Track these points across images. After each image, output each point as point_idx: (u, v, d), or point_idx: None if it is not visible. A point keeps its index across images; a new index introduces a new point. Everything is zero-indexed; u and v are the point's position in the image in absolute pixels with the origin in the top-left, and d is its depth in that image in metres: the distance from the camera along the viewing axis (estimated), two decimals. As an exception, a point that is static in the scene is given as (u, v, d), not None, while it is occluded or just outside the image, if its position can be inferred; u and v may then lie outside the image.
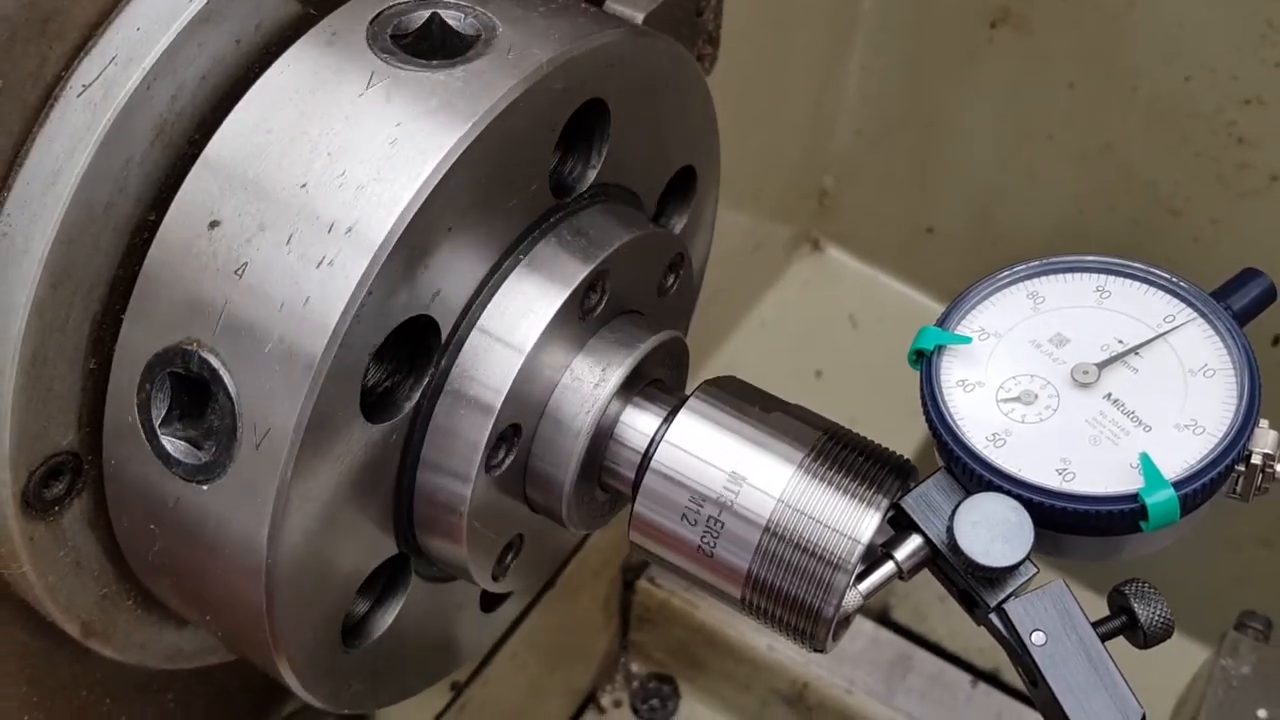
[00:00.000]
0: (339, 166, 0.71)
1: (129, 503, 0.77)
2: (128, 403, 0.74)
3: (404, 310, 0.73)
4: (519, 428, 0.80)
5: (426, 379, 0.77)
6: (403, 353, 0.76)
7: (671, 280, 0.91)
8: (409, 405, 0.77)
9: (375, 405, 0.75)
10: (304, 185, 0.71)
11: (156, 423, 0.74)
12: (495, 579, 0.86)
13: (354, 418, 0.73)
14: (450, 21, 0.77)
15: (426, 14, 0.77)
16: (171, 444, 0.74)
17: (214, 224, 0.72)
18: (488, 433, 0.77)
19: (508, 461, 0.80)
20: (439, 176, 0.71)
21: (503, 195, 0.77)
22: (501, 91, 0.73)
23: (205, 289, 0.72)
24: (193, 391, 0.74)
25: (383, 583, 0.84)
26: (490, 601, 0.94)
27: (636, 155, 0.87)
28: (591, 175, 0.84)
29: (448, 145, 0.71)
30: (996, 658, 1.39)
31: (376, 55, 0.74)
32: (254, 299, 0.71)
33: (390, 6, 0.77)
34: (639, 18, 0.89)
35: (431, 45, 0.77)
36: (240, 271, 0.71)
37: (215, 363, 0.71)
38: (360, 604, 0.83)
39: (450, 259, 0.74)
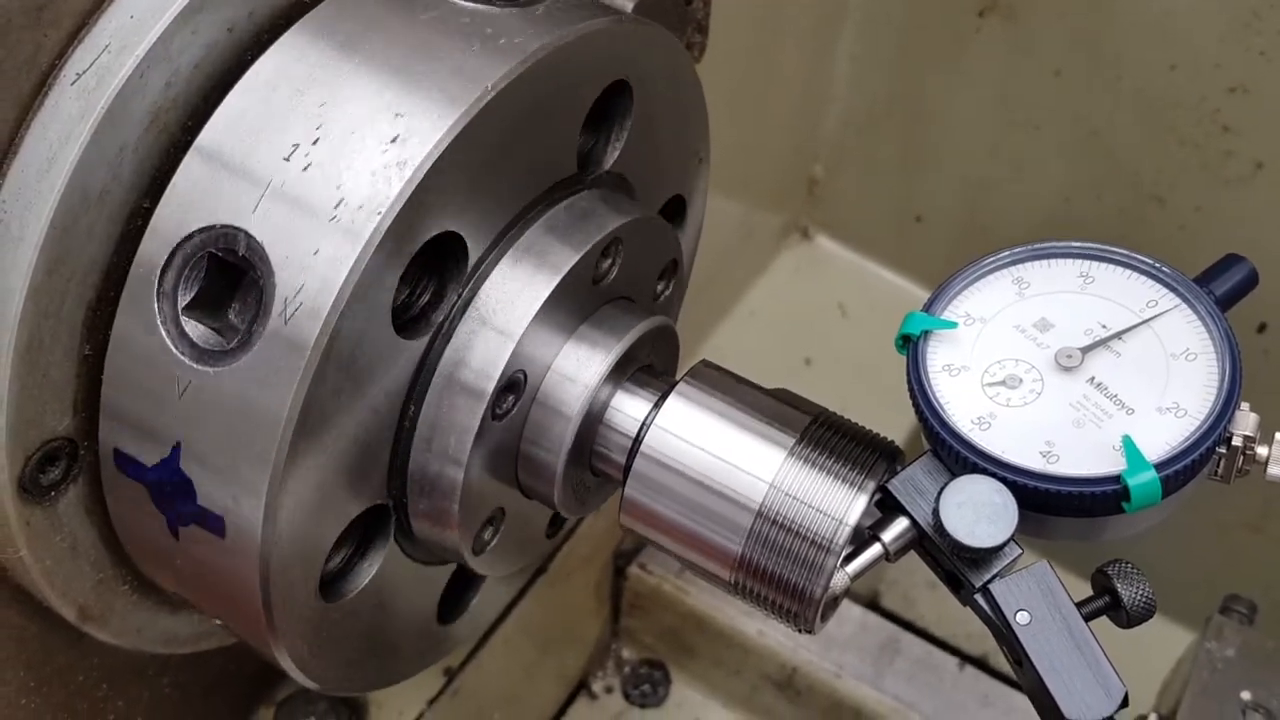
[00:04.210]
0: (417, 69, 0.74)
1: (135, 383, 0.75)
2: (149, 288, 0.74)
3: (435, 225, 0.74)
4: (525, 374, 0.80)
5: (451, 301, 0.78)
6: (429, 273, 0.77)
7: (663, 287, 0.93)
8: (436, 321, 0.77)
9: (403, 323, 0.76)
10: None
11: (182, 305, 0.73)
12: (475, 552, 0.86)
13: (383, 327, 0.74)
14: None
15: None
16: (193, 327, 0.74)
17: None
18: (501, 367, 0.78)
19: (513, 412, 0.81)
20: (495, 92, 0.73)
21: (531, 148, 0.78)
22: (559, 31, 0.76)
23: (253, 167, 0.72)
24: (218, 281, 0.74)
25: (363, 537, 0.83)
26: (446, 613, 0.94)
27: (643, 153, 0.89)
28: (612, 157, 0.86)
29: (504, 69, 0.74)
30: (984, 643, 1.40)
31: None
32: (300, 185, 0.72)
33: None
34: (629, 5, 0.90)
35: None
36: (290, 156, 0.72)
37: (258, 242, 0.71)
38: (340, 557, 0.82)
39: (475, 198, 0.76)
